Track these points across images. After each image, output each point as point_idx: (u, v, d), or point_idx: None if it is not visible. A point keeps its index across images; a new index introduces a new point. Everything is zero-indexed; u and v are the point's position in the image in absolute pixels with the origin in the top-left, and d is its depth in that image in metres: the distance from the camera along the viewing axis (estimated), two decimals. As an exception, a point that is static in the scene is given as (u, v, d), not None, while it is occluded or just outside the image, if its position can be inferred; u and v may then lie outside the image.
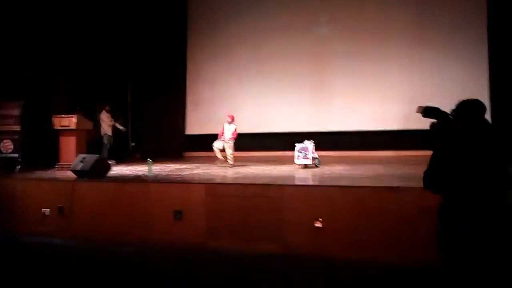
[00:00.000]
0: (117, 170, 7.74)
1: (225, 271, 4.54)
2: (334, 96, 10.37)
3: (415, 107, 8.22)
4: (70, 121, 8.26)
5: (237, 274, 4.45)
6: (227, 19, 11.27)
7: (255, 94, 10.93)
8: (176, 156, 10.81)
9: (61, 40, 9.36)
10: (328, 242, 4.78)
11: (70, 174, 6.74)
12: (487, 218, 1.97)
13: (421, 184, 4.60)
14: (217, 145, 8.02)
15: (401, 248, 4.49)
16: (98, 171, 6.47)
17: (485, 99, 8.10)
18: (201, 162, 9.10)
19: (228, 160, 8.00)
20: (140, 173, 7.38)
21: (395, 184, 5.22)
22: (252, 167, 7.93)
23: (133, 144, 11.17)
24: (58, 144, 8.33)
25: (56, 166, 8.14)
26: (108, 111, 9.53)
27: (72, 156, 7.76)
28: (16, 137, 8.40)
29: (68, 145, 8.22)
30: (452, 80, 9.40)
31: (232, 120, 8.05)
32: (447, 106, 2.43)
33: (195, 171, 7.48)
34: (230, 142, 7.96)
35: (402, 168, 7.00)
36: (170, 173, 7.31)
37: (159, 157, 9.32)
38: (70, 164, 7.05)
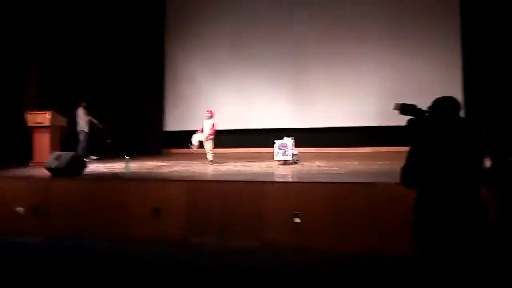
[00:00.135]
0: (93, 167, 7.59)
1: (205, 267, 4.55)
2: (313, 93, 10.47)
3: (391, 105, 8.35)
4: (44, 117, 8.05)
5: (216, 269, 4.46)
6: (206, 14, 11.18)
7: (234, 90, 10.92)
8: (155, 152, 10.69)
9: (32, 34, 9.09)
10: (307, 237, 4.84)
11: (44, 172, 6.57)
12: (462, 213, 2.04)
13: (396, 180, 4.75)
14: (197, 137, 7.89)
15: (377, 242, 4.59)
16: (73, 169, 6.33)
17: (459, 96, 8.41)
18: (181, 159, 9.03)
19: (207, 157, 7.96)
20: (117, 170, 7.27)
21: (371, 180, 5.33)
22: (232, 164, 7.93)
23: (109, 141, 10.94)
24: (32, 141, 8.10)
25: (30, 163, 7.92)
26: (84, 108, 9.32)
27: (46, 154, 7.57)
28: (-13, 134, 8.14)
29: (42, 142, 8.01)
30: (427, 78, 9.62)
31: (211, 115, 7.97)
32: (423, 103, 2.50)
33: (174, 168, 7.43)
34: (209, 138, 7.89)
35: (378, 164, 7.15)
36: (148, 170, 7.23)
37: (137, 154, 9.19)
38: (45, 162, 6.89)
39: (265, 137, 9.90)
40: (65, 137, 8.63)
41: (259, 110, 10.68)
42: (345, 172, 6.24)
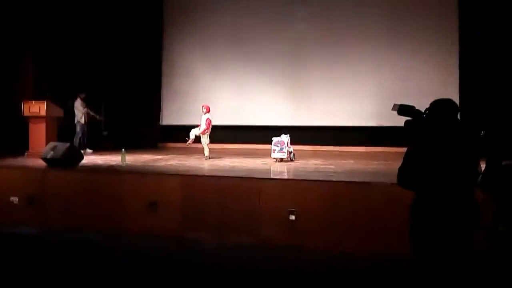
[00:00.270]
0: (89, 159, 7.57)
1: (199, 262, 4.56)
2: (311, 91, 10.48)
3: (387, 105, 8.42)
4: (40, 107, 7.99)
5: (211, 265, 4.47)
6: (204, 9, 11.14)
7: (232, 86, 10.90)
8: (151, 146, 10.67)
9: (29, 23, 9.01)
10: (302, 235, 4.87)
11: (40, 162, 6.55)
12: (457, 214, 2.07)
13: (392, 180, 4.78)
14: (194, 131, 7.90)
15: (372, 241, 4.63)
16: (69, 160, 6.31)
17: (455, 97, 8.47)
18: (177, 153, 9.03)
19: (204, 152, 7.96)
20: (113, 163, 7.25)
21: (367, 179, 5.37)
22: (228, 159, 7.94)
23: (105, 133, 10.91)
24: (28, 131, 8.05)
25: (26, 154, 7.88)
26: (82, 99, 9.27)
27: (42, 144, 7.53)
28: (-18, 123, 8.08)
29: (38, 132, 7.96)
30: (424, 79, 9.67)
31: (207, 110, 7.96)
32: (420, 104, 2.52)
33: (170, 162, 7.42)
34: (205, 133, 7.88)
35: (374, 164, 7.19)
36: (144, 163, 7.22)
37: (133, 147, 9.16)
38: (40, 152, 6.86)
39: (261, 134, 9.93)
40: (62, 128, 8.59)
41: (257, 106, 10.68)
42: (341, 171, 6.27)
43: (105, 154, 8.61)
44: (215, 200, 5.30)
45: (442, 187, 2.09)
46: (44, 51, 9.51)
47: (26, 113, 8.02)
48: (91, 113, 9.44)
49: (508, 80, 8.89)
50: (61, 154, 6.20)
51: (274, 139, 7.52)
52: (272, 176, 5.99)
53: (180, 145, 10.52)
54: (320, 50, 10.41)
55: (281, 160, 7.45)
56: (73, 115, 9.18)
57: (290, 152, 7.59)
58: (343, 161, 7.59)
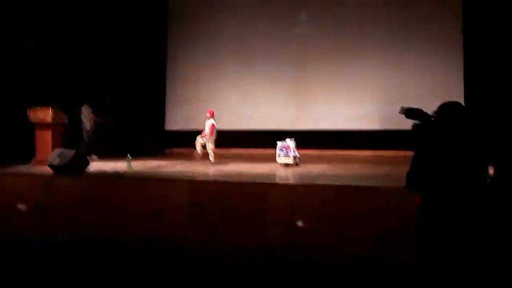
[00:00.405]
0: (95, 166, 7.60)
1: (205, 267, 4.56)
2: (315, 95, 10.49)
3: (392, 108, 8.39)
4: (46, 114, 8.04)
5: (217, 270, 4.47)
6: (208, 14, 11.21)
7: (237, 91, 10.94)
8: (156, 152, 10.70)
9: (36, 32, 9.10)
10: (308, 240, 4.85)
11: (46, 169, 6.59)
12: (466, 219, 2.06)
13: (397, 184, 4.77)
14: (199, 140, 7.97)
15: (378, 246, 4.60)
16: (75, 167, 6.33)
17: (460, 100, 8.42)
18: (182, 159, 9.05)
19: (209, 157, 7.98)
20: (119, 169, 7.28)
21: (373, 183, 5.35)
22: (234, 164, 7.94)
23: (110, 140, 10.95)
24: (34, 138, 8.11)
25: (32, 160, 7.93)
26: (89, 106, 9.34)
27: (48, 151, 7.56)
28: (-11, 130, 8.14)
29: (44, 139, 8.00)
30: (428, 82, 9.66)
31: (211, 115, 8.00)
32: (425, 108, 2.51)
33: (176, 168, 7.44)
34: (209, 138, 7.91)
35: (379, 168, 7.17)
36: (150, 169, 7.24)
37: (138, 153, 9.19)
38: (47, 159, 6.90)
39: (266, 138, 9.90)
40: (68, 135, 8.64)
41: (261, 111, 10.70)
42: (347, 175, 6.25)
43: (111, 161, 8.65)
44: (221, 205, 5.30)
45: (450, 191, 2.08)
46: (51, 56, 9.59)
47: (32, 119, 8.08)
48: (96, 119, 9.49)
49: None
50: (67, 160, 6.23)
51: (279, 143, 7.53)
52: (277, 181, 6.00)
53: (185, 151, 10.55)
54: (324, 54, 10.42)
55: (286, 164, 7.44)
56: (78, 121, 9.23)
57: (295, 157, 7.58)
58: (349, 165, 7.58)
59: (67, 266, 4.50)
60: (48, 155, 7.00)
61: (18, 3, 8.65)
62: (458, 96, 9.09)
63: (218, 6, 11.16)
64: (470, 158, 2.12)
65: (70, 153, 6.38)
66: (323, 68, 10.43)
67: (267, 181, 5.68)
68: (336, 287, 3.99)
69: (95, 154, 9.18)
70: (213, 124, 7.86)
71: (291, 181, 6.13)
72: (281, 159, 7.44)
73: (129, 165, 7.01)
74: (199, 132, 8.12)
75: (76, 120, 9.22)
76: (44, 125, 8.03)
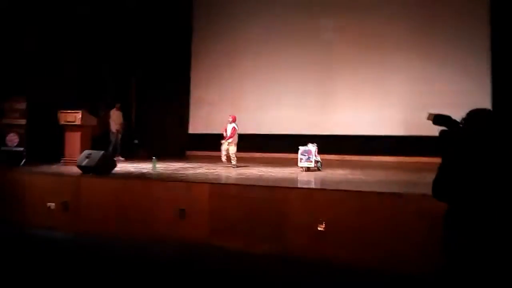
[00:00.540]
0: (121, 167, 7.80)
1: (226, 270, 4.60)
2: (337, 99, 10.45)
3: (416, 114, 8.28)
4: (75, 117, 8.31)
5: (239, 273, 4.51)
6: (233, 20, 11.35)
7: (259, 95, 11.01)
8: (179, 154, 10.88)
9: (69, 37, 9.44)
10: (330, 246, 4.83)
11: (75, 169, 6.81)
12: (496, 228, 2.03)
13: (422, 191, 4.70)
14: (223, 147, 8.12)
15: (402, 255, 4.54)
16: (103, 167, 6.53)
17: (488, 108, 8.20)
18: (204, 162, 9.17)
19: (231, 160, 8.07)
20: (144, 170, 7.45)
21: (397, 190, 5.28)
22: (255, 168, 7.99)
23: (136, 141, 11.24)
24: (63, 139, 8.39)
25: (61, 161, 8.20)
26: (118, 109, 9.62)
27: (76, 152, 7.82)
28: (22, 130, 8.47)
29: (73, 140, 8.27)
30: (454, 88, 9.48)
31: (233, 120, 8.11)
32: (450, 113, 2.48)
33: (198, 170, 7.55)
34: (230, 141, 8.00)
35: (404, 174, 7.07)
36: (174, 171, 7.37)
37: (162, 155, 9.38)
38: (75, 160, 7.13)
39: (288, 143, 9.94)
40: (96, 136, 8.91)
41: (283, 115, 10.73)
42: (370, 181, 6.19)
43: (136, 162, 8.86)
44: (242, 208, 5.34)
45: (478, 199, 2.06)
46: (82, 60, 9.92)
47: (62, 122, 8.36)
48: (123, 121, 9.75)
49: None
50: (95, 161, 6.43)
51: (301, 148, 7.53)
52: (299, 186, 6.00)
53: (207, 154, 10.71)
54: (347, 59, 10.38)
55: (308, 169, 7.44)
56: (107, 124, 9.51)
57: (317, 161, 7.56)
58: (372, 171, 7.50)
59: (91, 266, 4.62)
60: (77, 156, 7.24)
61: (18, 3, 8.87)
62: (484, 103, 8.89)
63: (242, 13, 11.28)
64: (498, 166, 2.09)
65: (98, 154, 6.58)
66: (347, 73, 10.38)
67: (289, 185, 5.69)
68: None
69: (121, 156, 9.43)
70: (235, 128, 7.98)
71: (313, 185, 6.12)
72: (303, 163, 7.44)
73: (154, 166, 7.16)
74: (220, 136, 8.23)
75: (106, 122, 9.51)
76: (73, 127, 8.30)
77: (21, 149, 8.33)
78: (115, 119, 9.54)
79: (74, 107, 8.50)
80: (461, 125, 2.26)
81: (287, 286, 4.21)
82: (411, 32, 9.97)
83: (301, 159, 7.47)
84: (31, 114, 8.54)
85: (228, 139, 7.95)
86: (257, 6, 11.19)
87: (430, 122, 2.52)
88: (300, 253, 4.91)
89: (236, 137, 8.05)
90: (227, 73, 11.37)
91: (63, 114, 8.36)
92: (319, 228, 4.87)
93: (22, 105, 8.55)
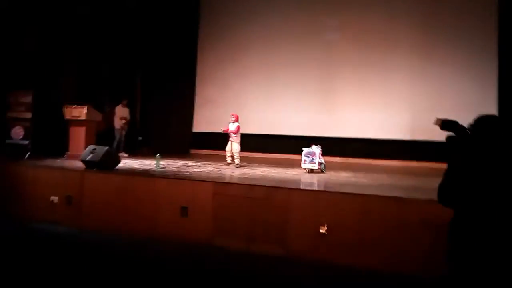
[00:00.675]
0: (125, 163, 7.82)
1: (227, 270, 4.60)
2: (342, 102, 10.41)
3: (421, 118, 8.22)
4: (80, 111, 8.35)
5: (240, 273, 4.51)
6: (238, 21, 11.35)
7: (263, 96, 11.00)
8: (182, 152, 10.90)
9: (72, 32, 9.47)
10: (332, 248, 4.82)
11: (79, 164, 6.83)
12: (503, 235, 2.01)
13: (427, 197, 4.68)
14: (227, 148, 8.12)
15: (404, 259, 4.53)
16: (107, 163, 6.55)
17: (493, 113, 8.14)
18: (207, 160, 9.17)
19: (234, 160, 8.07)
20: (148, 167, 7.46)
21: (399, 194, 5.26)
22: (259, 168, 7.98)
23: (140, 138, 11.27)
24: (68, 134, 8.42)
25: (65, 155, 8.23)
26: (125, 105, 9.64)
27: (81, 147, 7.86)
28: (27, 124, 8.51)
29: (78, 135, 8.31)
30: (460, 92, 9.44)
31: (236, 119, 8.12)
32: (455, 118, 2.46)
33: (202, 169, 7.55)
34: (235, 138, 8.00)
35: (407, 179, 7.04)
36: (177, 169, 7.38)
37: (166, 153, 9.40)
38: (79, 154, 7.16)
39: (292, 144, 9.93)
40: (101, 132, 8.94)
41: (287, 116, 10.72)
42: (373, 185, 6.17)
43: (140, 159, 8.88)
44: (245, 208, 5.34)
45: (485, 206, 2.04)
46: (86, 56, 9.95)
47: (67, 116, 8.40)
48: (127, 118, 9.76)
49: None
50: (100, 157, 6.45)
51: (305, 150, 7.51)
52: (302, 187, 5.98)
53: (210, 152, 10.72)
54: (351, 61, 10.35)
55: (312, 171, 7.42)
56: (112, 119, 9.53)
57: (321, 163, 7.54)
58: (375, 175, 7.47)
59: (92, 261, 4.64)
60: (81, 151, 7.27)
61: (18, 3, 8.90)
62: (491, 109, 8.85)
63: (247, 12, 11.28)
64: (505, 173, 2.08)
65: (102, 149, 6.60)
66: (352, 76, 10.34)
67: (292, 187, 5.68)
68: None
69: (125, 152, 9.45)
70: (239, 126, 8.01)
71: (316, 187, 6.10)
72: (306, 165, 7.42)
73: (158, 164, 7.17)
74: (223, 135, 8.22)
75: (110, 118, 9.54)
76: (78, 122, 8.33)
77: (26, 142, 8.37)
78: (120, 115, 9.56)
79: (79, 102, 8.55)
80: (468, 131, 2.24)
81: (288, 287, 4.20)
82: (416, 33, 9.91)
83: (304, 160, 7.44)
84: (37, 108, 8.58)
85: (231, 133, 7.96)
86: (262, 5, 11.18)
87: (436, 126, 2.51)
88: (302, 255, 4.91)
89: (239, 135, 8.06)
90: (232, 74, 11.37)
91: (69, 109, 8.40)
92: (321, 231, 4.86)
93: (28, 99, 8.60)
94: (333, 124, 10.40)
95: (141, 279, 4.14)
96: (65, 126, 8.49)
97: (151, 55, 11.37)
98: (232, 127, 8.04)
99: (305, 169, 7.46)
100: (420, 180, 6.83)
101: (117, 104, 9.66)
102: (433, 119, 2.56)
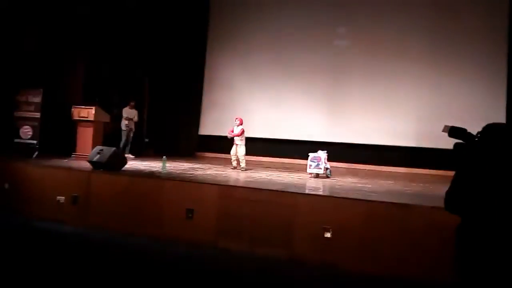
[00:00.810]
0: (131, 164, 7.86)
1: (231, 273, 4.61)
2: (349, 108, 10.40)
3: (429, 125, 8.19)
4: (88, 112, 8.43)
5: (244, 276, 4.51)
6: (247, 25, 11.38)
7: (271, 100, 11.00)
8: (188, 155, 10.93)
9: (81, 31, 9.56)
10: (336, 253, 4.81)
11: (86, 165, 6.88)
12: (508, 243, 2.00)
13: (432, 204, 4.66)
14: (232, 152, 8.14)
15: (408, 265, 4.51)
16: (114, 164, 6.59)
17: (502, 121, 8.11)
18: (213, 163, 9.20)
19: (240, 163, 8.08)
20: (154, 169, 7.50)
21: (405, 200, 5.24)
22: (264, 172, 8.00)
23: (147, 140, 11.33)
24: (76, 134, 8.49)
25: (73, 155, 8.30)
26: (132, 107, 9.70)
27: (88, 147, 7.92)
28: (36, 123, 8.59)
29: (85, 136, 8.37)
30: (468, 102, 9.39)
31: (240, 122, 8.15)
32: (462, 125, 2.45)
33: (207, 172, 7.58)
34: (240, 141, 8.02)
35: (413, 186, 7.01)
36: (183, 171, 7.41)
37: (172, 155, 9.43)
38: (86, 155, 7.22)
39: (298, 149, 9.94)
40: (109, 132, 9.00)
41: (294, 121, 10.71)
42: (379, 191, 6.15)
43: (146, 160, 8.92)
44: (250, 211, 5.36)
45: (492, 213, 2.04)
46: (94, 57, 10.05)
47: (75, 117, 8.47)
48: (134, 119, 9.80)
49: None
50: (106, 158, 6.49)
51: (311, 155, 7.51)
52: (307, 192, 5.98)
53: (216, 155, 10.75)
54: (359, 68, 10.34)
55: (317, 175, 7.42)
56: (119, 120, 9.59)
57: (327, 169, 7.54)
58: (381, 181, 7.45)
59: (97, 261, 4.66)
60: (88, 151, 7.32)
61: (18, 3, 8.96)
62: (500, 116, 8.81)
63: (256, 16, 11.32)
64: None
65: (109, 150, 6.65)
66: (359, 82, 10.33)
67: (297, 191, 5.68)
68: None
69: (131, 153, 9.50)
70: (243, 129, 8.03)
71: (321, 192, 6.10)
72: (312, 170, 7.43)
73: (164, 166, 7.20)
74: (230, 138, 8.24)
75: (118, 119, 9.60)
76: (85, 122, 8.40)
77: (34, 142, 8.45)
78: (128, 116, 9.61)
79: (87, 103, 8.62)
80: (476, 139, 2.24)
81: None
82: (425, 42, 9.88)
83: (310, 165, 7.45)
84: (46, 107, 8.66)
85: (236, 136, 7.99)
86: (271, 10, 11.19)
87: (443, 134, 2.51)
88: (306, 258, 4.91)
89: (244, 138, 8.08)
90: (240, 78, 11.39)
91: (77, 109, 8.48)
92: (325, 235, 4.86)
93: (37, 99, 8.68)
94: (340, 130, 10.38)
95: (146, 280, 4.15)
96: (73, 126, 8.56)
97: (159, 57, 11.43)
98: (236, 130, 8.06)
99: (311, 173, 7.46)
100: (426, 187, 6.80)
101: (125, 106, 9.71)
102: (440, 127, 2.56)
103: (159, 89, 11.61)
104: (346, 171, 8.99)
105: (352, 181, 7.30)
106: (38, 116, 8.62)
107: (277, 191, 5.58)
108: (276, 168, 8.93)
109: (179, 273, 4.44)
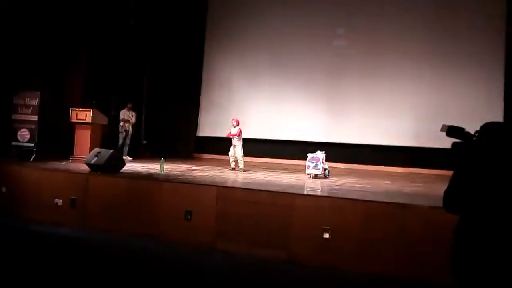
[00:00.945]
0: (129, 166, 7.85)
1: (229, 274, 4.60)
2: (348, 108, 10.40)
3: (427, 125, 8.20)
4: (86, 115, 8.40)
5: (242, 277, 4.50)
6: (245, 25, 11.39)
7: (269, 101, 11.00)
8: (186, 156, 10.91)
9: (78, 33, 9.54)
10: (334, 254, 4.81)
11: (83, 167, 6.86)
12: (504, 243, 2.00)
13: (430, 203, 4.66)
14: (230, 153, 8.14)
15: (406, 264, 4.51)
16: (112, 166, 6.58)
17: (499, 120, 8.08)
18: (211, 165, 9.19)
19: (238, 164, 8.08)
20: (152, 171, 7.48)
21: (403, 200, 5.24)
22: (262, 173, 7.99)
23: (145, 142, 11.31)
24: (73, 137, 8.47)
25: (70, 158, 8.27)
26: (130, 109, 9.68)
27: (86, 149, 7.91)
28: (33, 126, 8.55)
29: (83, 138, 8.35)
30: (466, 101, 9.41)
31: (237, 124, 8.15)
32: (461, 125, 2.45)
33: (206, 173, 7.56)
34: (238, 142, 8.02)
35: (412, 186, 7.01)
36: (181, 173, 7.40)
37: (170, 156, 9.42)
38: (84, 157, 7.19)
39: (296, 149, 9.94)
40: (106, 134, 8.97)
41: (292, 121, 10.71)
42: (377, 191, 6.15)
43: (144, 162, 8.90)
44: (248, 212, 5.35)
45: (490, 213, 2.03)
46: (92, 59, 10.03)
47: (73, 119, 8.45)
48: (132, 121, 9.78)
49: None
50: (104, 160, 6.48)
51: (309, 155, 7.51)
52: (306, 192, 5.98)
53: (214, 157, 10.73)
54: (358, 68, 10.35)
55: (316, 176, 7.42)
56: (117, 123, 9.56)
57: (325, 169, 7.54)
58: (379, 181, 7.45)
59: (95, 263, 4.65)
60: (86, 154, 7.30)
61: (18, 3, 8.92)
62: (497, 115, 8.82)
63: (254, 17, 11.32)
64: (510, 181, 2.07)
65: (107, 152, 6.63)
66: (358, 82, 10.33)
67: (296, 192, 5.67)
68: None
69: (129, 155, 9.48)
70: (240, 130, 8.03)
71: (319, 193, 6.09)
72: (310, 170, 7.42)
73: (162, 167, 7.19)
74: (228, 139, 8.23)
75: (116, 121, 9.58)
76: (83, 125, 8.38)
77: (32, 145, 8.41)
78: (125, 118, 9.59)
79: (85, 105, 8.60)
80: (474, 138, 2.23)
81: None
82: (424, 42, 9.90)
83: (308, 166, 7.45)
84: (43, 110, 8.63)
85: (233, 136, 7.98)
86: (269, 10, 11.20)
87: (441, 133, 2.50)
88: (305, 259, 4.91)
89: (241, 139, 8.07)
90: (238, 79, 11.39)
91: (74, 112, 8.46)
92: (324, 236, 4.85)
93: (35, 101, 8.64)
94: (339, 130, 10.38)
95: (144, 282, 4.14)
96: (70, 128, 8.53)
97: (157, 59, 11.42)
98: (233, 131, 8.06)
99: (309, 174, 7.46)
100: (424, 187, 6.80)
101: (123, 108, 9.69)
102: (438, 127, 2.55)
103: (156, 90, 11.60)
104: (345, 171, 8.99)
105: (350, 181, 7.30)
106: (36, 119, 8.58)
107: (275, 192, 5.57)
108: (275, 169, 8.92)
109: (178, 275, 4.43)
